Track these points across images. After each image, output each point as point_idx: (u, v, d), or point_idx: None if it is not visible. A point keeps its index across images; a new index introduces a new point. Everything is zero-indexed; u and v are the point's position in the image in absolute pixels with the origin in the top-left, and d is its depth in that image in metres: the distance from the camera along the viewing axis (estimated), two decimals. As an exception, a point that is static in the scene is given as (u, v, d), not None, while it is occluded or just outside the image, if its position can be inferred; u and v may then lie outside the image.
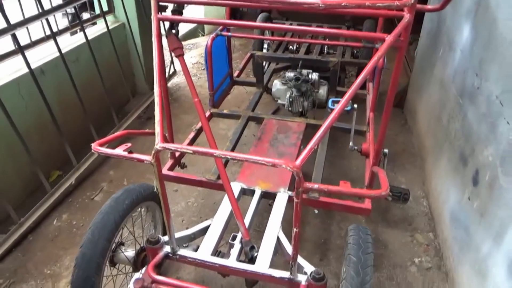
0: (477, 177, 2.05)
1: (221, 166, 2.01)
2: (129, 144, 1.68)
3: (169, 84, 4.72)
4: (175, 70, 4.70)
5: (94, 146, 1.64)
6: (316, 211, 2.84)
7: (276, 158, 1.57)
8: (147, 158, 1.55)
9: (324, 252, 2.51)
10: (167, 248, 1.87)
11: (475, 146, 2.12)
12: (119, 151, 1.62)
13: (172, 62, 4.56)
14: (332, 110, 2.47)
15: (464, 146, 2.28)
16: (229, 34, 3.07)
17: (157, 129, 1.57)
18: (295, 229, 1.54)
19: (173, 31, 2.00)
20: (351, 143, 2.57)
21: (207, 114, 3.03)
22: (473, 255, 1.97)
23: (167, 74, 4.54)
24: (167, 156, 2.54)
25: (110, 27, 3.53)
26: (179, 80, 4.93)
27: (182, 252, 1.87)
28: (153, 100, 4.29)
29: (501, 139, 1.81)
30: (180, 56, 2.03)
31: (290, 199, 2.21)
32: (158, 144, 1.52)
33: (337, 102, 2.49)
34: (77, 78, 3.04)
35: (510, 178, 1.69)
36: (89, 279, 1.63)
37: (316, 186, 1.42)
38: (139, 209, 2.04)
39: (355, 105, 2.55)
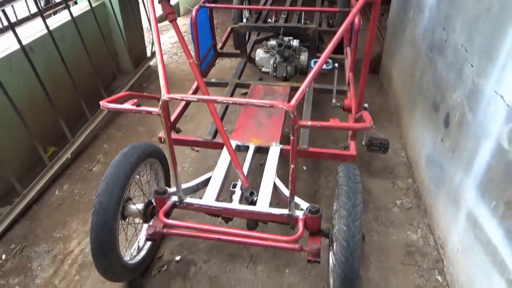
0: (448, 120, 2.29)
1: (218, 121, 2.17)
2: (135, 100, 1.82)
3: (152, 62, 4.80)
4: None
5: (103, 103, 1.76)
6: (304, 168, 3.06)
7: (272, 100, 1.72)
8: (155, 109, 1.69)
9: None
10: (174, 198, 2.04)
11: (445, 93, 2.36)
12: (128, 105, 1.76)
13: (152, 42, 4.63)
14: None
15: (435, 95, 2.52)
16: (212, 5, 3.19)
17: (162, 82, 1.72)
18: (292, 166, 1.72)
19: (165, -4, 2.12)
20: (334, 100, 2.77)
21: (195, 84, 3.17)
22: (447, 187, 2.23)
23: (148, 53, 4.62)
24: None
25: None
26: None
27: (189, 200, 2.04)
28: (138, 78, 4.38)
29: (467, 81, 2.04)
30: (173, 20, 2.15)
31: (282, 152, 2.40)
32: (165, 95, 1.67)
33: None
34: (64, 56, 3.11)
35: (475, 112, 1.93)
36: (107, 224, 1.78)
37: (309, 123, 1.61)
38: (144, 165, 2.18)
39: (336, 64, 2.74)
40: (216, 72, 4.47)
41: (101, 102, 1.77)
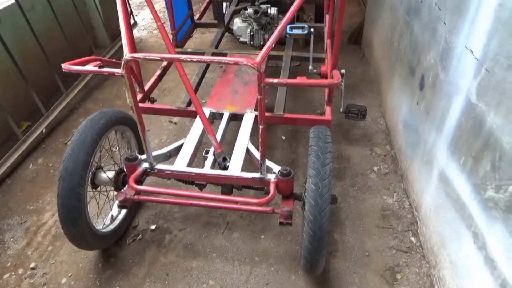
0: (423, 82, 2.27)
1: (190, 87, 2.12)
2: (98, 62, 1.76)
3: (130, 38, 4.69)
4: (135, 21, 4.66)
5: (65, 65, 1.70)
6: (283, 137, 3.03)
7: (240, 57, 1.67)
8: (118, 70, 1.64)
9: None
10: (145, 165, 2.01)
11: (420, 55, 2.33)
12: (90, 67, 1.70)
13: (131, 13, 4.51)
14: (291, 35, 2.62)
15: (412, 59, 2.49)
16: (186, -28, 3.09)
17: (124, 40, 1.66)
18: (260, 126, 1.70)
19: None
20: (310, 67, 2.72)
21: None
22: (422, 149, 2.22)
23: (127, 26, 4.50)
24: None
25: (63, -25, 3.45)
26: (140, 34, 4.90)
27: (160, 166, 2.01)
28: (116, 52, 4.26)
29: (440, 39, 2.01)
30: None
31: (256, 119, 2.36)
32: (127, 54, 1.61)
33: (295, 27, 2.64)
34: (35, 27, 3.00)
35: (447, 70, 1.91)
36: (74, 189, 1.75)
37: (275, 80, 1.58)
38: (115, 133, 2.14)
39: (312, 29, 2.68)
40: (197, 46, 4.39)
41: (63, 65, 1.71)
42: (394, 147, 2.81)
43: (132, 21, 4.56)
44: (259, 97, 1.60)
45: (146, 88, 2.59)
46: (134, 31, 4.81)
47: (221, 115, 2.41)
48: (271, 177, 1.91)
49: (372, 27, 3.79)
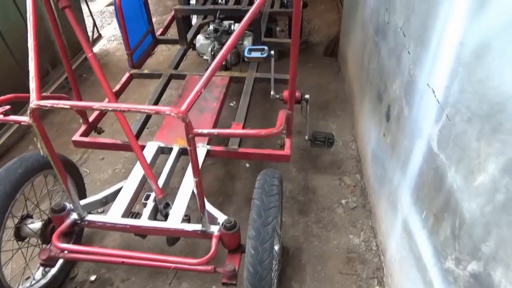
0: (389, 112, 2.06)
1: (125, 124, 1.90)
2: (7, 107, 1.53)
3: (96, 50, 4.45)
4: (99, 34, 4.41)
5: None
6: (247, 165, 2.82)
7: (164, 106, 1.45)
8: (24, 118, 1.41)
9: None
10: (75, 215, 1.78)
11: (387, 82, 2.12)
12: (-8, 114, 1.47)
13: (95, 24, 4.26)
14: (249, 58, 2.40)
15: (379, 84, 2.28)
16: (140, -14, 2.86)
17: (32, 85, 1.43)
18: (195, 179, 1.48)
19: (54, -21, 1.80)
20: (272, 92, 2.51)
21: (127, 75, 2.86)
22: (388, 188, 2.02)
23: (90, 38, 4.26)
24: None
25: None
26: (110, 45, 4.66)
27: (90, 217, 1.78)
28: (77, 68, 4.01)
29: (404, 70, 1.80)
30: (67, 7, 1.84)
31: (209, 153, 2.15)
32: (33, 101, 1.38)
33: (254, 50, 2.42)
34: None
35: (411, 107, 1.70)
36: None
37: (205, 131, 1.36)
38: (44, 177, 1.91)
39: (272, 52, 2.47)
40: (165, 60, 4.16)
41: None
42: (364, 176, 2.60)
43: (96, 34, 4.31)
44: (189, 148, 1.39)
45: (91, 118, 2.36)
46: (102, 42, 4.57)
47: (170, 149, 2.18)
48: (215, 229, 1.70)
49: (347, 40, 3.58)
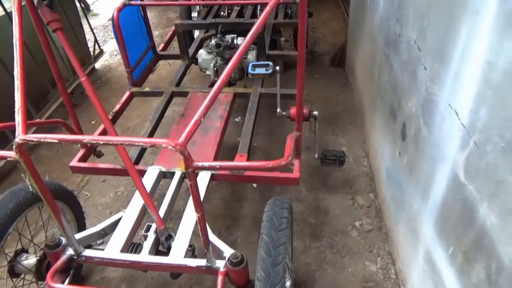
0: (404, 131, 1.92)
1: (123, 152, 1.78)
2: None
3: (98, 66, 4.38)
4: (101, 50, 4.33)
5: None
6: (254, 185, 2.69)
7: (160, 137, 1.35)
8: (10, 154, 1.30)
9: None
10: (71, 251, 1.66)
11: (401, 98, 1.99)
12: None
13: (96, 41, 4.19)
14: (253, 75, 2.28)
15: (392, 99, 2.15)
16: (139, 2, 2.76)
17: (18, 118, 1.32)
18: (197, 214, 1.36)
19: (44, 1, 1.71)
20: (278, 109, 2.38)
21: (127, 94, 2.76)
22: (407, 213, 1.87)
23: (92, 54, 4.18)
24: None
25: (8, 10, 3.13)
26: (112, 60, 4.58)
27: (88, 252, 1.66)
28: (79, 85, 3.92)
29: (421, 86, 1.67)
30: (58, 30, 1.74)
31: (214, 178, 2.02)
32: (19, 135, 1.27)
33: (258, 66, 2.30)
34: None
35: (430, 128, 1.56)
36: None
37: (206, 164, 1.24)
38: (39, 208, 1.80)
39: (277, 67, 2.35)
40: (168, 74, 4.06)
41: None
42: (378, 196, 2.46)
43: (97, 50, 4.24)
44: (189, 183, 1.27)
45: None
46: (104, 57, 4.49)
47: (172, 174, 2.06)
48: (221, 264, 1.57)
49: (354, 50, 3.45)
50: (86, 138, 1.22)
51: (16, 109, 1.34)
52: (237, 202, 2.57)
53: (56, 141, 1.24)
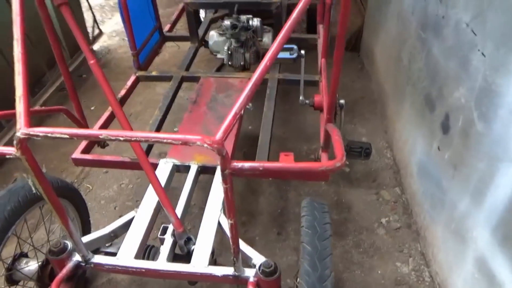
0: (447, 123, 1.74)
1: (136, 144, 1.58)
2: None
3: (97, 47, 4.11)
4: (100, 31, 4.06)
5: None
6: (270, 178, 2.50)
7: (195, 134, 1.15)
8: (11, 150, 1.09)
9: (282, 224, 2.20)
10: (78, 257, 1.47)
11: (443, 87, 1.80)
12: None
13: (95, 20, 3.91)
14: (277, 59, 2.07)
15: (429, 88, 1.96)
16: (146, -23, 2.52)
17: (19, 107, 1.11)
18: (230, 221, 1.17)
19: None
20: (301, 97, 2.19)
21: (133, 78, 2.54)
22: (448, 213, 1.71)
23: (90, 35, 3.91)
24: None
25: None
26: (111, 41, 4.31)
27: (97, 259, 1.47)
28: (77, 68, 3.67)
29: (476, 75, 1.48)
30: (63, 5, 1.51)
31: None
32: (21, 129, 1.06)
33: (282, 49, 2.09)
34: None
35: (490, 122, 1.38)
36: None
37: (247, 165, 1.04)
38: (40, 208, 1.60)
39: (302, 52, 2.15)
40: (172, 58, 3.83)
41: None
42: (406, 191, 2.29)
43: (96, 31, 3.97)
44: (225, 187, 1.08)
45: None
46: (102, 38, 4.21)
47: (187, 168, 1.87)
48: (250, 273, 1.39)
49: (373, 34, 3.24)
50: (103, 133, 1.01)
51: (17, 97, 1.12)
52: (252, 196, 2.39)
53: (67, 136, 1.04)
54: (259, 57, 2.73)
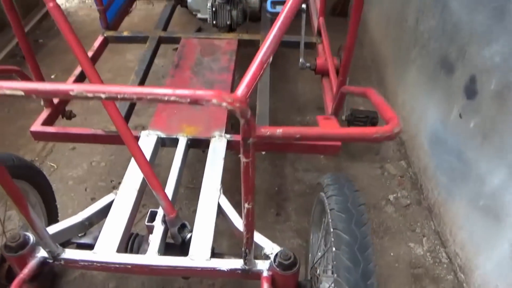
0: (473, 87, 1.53)
1: (115, 111, 1.27)
2: None
3: (53, 10, 3.61)
4: (57, -11, 3.56)
5: None
6: (263, 152, 2.25)
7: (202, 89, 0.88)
8: None
9: (280, 204, 1.97)
10: (43, 252, 1.17)
11: (466, 46, 1.58)
12: None
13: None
14: (272, 14, 1.79)
15: (447, 48, 1.74)
16: None
17: None
18: (246, 205, 0.91)
19: None
20: (301, 60, 1.93)
21: (100, 39, 2.18)
22: (474, 187, 1.52)
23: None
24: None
25: None
26: (68, 5, 3.83)
27: (68, 253, 1.17)
28: (31, 31, 3.21)
29: (520, 26, 1.26)
30: None
31: (230, 145, 1.56)
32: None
33: (280, 3, 1.82)
34: None
35: (542, 80, 1.18)
36: None
37: (278, 131, 0.77)
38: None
39: (304, 6, 1.87)
40: (140, 23, 3.43)
41: None
42: (413, 164, 2.10)
43: (52, -12, 3.47)
44: (245, 161, 0.81)
45: (56, 99, 1.70)
46: (59, 1, 3.72)
47: (175, 141, 1.57)
48: (263, 266, 1.14)
49: (366, -4, 2.98)
50: (75, 88, 0.70)
51: None
52: (244, 174, 2.13)
53: (21, 93, 0.72)
54: (246, 16, 2.43)
